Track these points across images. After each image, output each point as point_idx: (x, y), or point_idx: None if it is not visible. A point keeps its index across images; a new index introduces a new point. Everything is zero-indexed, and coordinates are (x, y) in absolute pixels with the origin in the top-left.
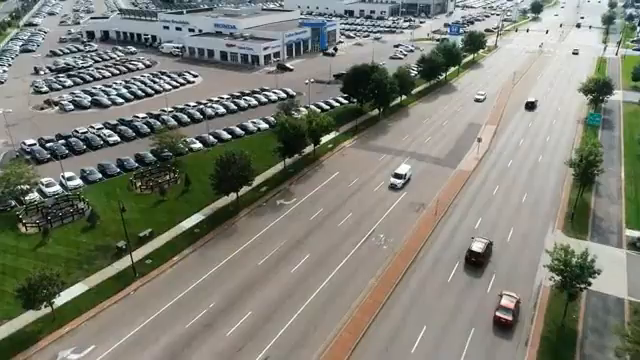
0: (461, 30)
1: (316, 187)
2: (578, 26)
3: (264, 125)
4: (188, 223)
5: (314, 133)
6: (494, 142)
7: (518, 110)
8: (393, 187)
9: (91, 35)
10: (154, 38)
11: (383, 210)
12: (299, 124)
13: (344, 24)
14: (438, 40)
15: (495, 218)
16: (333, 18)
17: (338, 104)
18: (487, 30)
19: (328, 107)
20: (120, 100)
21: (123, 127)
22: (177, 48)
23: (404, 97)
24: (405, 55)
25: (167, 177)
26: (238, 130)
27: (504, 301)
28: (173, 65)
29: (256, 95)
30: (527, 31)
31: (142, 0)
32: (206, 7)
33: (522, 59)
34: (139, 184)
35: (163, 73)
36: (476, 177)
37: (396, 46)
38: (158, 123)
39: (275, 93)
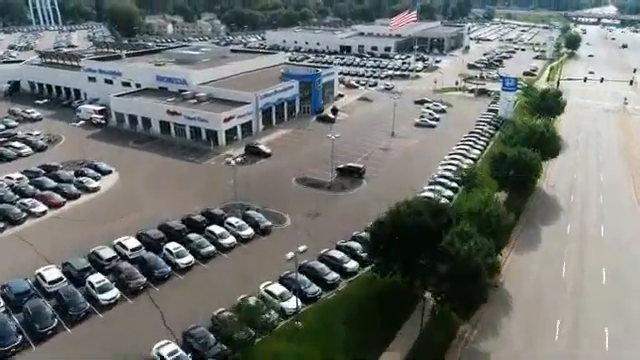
0: (518, 85)
1: None
2: None
3: None
4: None
5: None
6: None
7: None
8: None
9: None
10: (78, 93)
11: None
12: None
13: (341, 64)
14: (472, 91)
15: None
16: (327, 56)
17: (356, 264)
18: (527, 74)
19: (337, 276)
20: None
21: None
22: (99, 113)
23: None
24: (437, 120)
25: None
26: None
27: None
28: (83, 145)
29: (193, 236)
30: (601, 81)
31: (105, 34)
32: (160, 46)
33: (610, 124)
34: None
35: (49, 170)
36: None
37: (419, 102)
38: None
39: (231, 227)
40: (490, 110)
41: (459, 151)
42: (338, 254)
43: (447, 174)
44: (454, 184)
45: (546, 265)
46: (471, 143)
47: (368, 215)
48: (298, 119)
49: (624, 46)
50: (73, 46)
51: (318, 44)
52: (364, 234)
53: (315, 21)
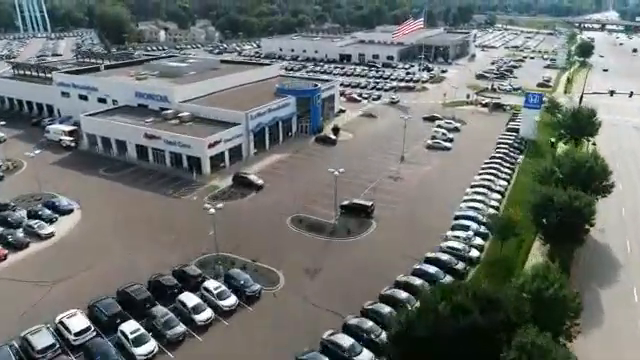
0: (544, 101)
1: None
2: None
3: None
4: None
5: None
6: None
7: None
8: None
9: None
10: (51, 110)
11: None
12: None
13: (340, 74)
14: (486, 105)
15: None
16: (325, 65)
17: (370, 356)
18: (541, 85)
19: None
20: None
21: None
22: (69, 134)
23: None
24: (451, 140)
25: None
26: None
27: None
28: (46, 173)
29: (159, 311)
30: (630, 95)
31: (94, 42)
32: (148, 54)
33: None
34: None
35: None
36: None
37: (428, 119)
38: None
39: (208, 295)
40: (510, 129)
41: (483, 182)
42: (346, 341)
43: (473, 215)
44: (483, 227)
45: (620, 357)
46: (495, 172)
47: (381, 272)
48: (295, 140)
49: (635, 50)
50: (58, 55)
51: (316, 52)
52: (378, 306)
53: (313, 28)
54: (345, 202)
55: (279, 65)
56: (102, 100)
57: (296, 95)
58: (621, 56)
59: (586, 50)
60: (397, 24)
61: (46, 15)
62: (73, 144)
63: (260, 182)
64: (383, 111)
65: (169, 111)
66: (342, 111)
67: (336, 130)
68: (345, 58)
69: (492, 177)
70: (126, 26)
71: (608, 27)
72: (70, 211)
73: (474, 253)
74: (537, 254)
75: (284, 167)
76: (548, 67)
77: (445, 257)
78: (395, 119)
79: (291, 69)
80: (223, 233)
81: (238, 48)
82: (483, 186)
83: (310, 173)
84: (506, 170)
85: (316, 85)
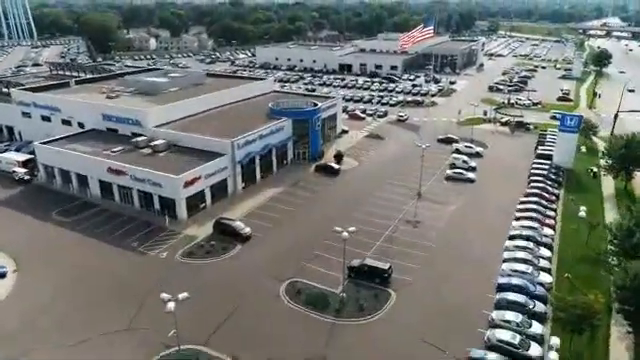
0: (582, 123)
1: None
2: None
3: None
4: None
5: None
6: None
7: None
8: None
9: None
10: (11, 132)
11: None
12: None
13: (340, 86)
14: (507, 124)
15: None
16: (324, 76)
17: None
18: (561, 99)
19: None
20: None
21: None
22: (23, 165)
23: None
24: (473, 169)
25: None
26: None
27: None
28: None
29: None
30: None
31: (80, 50)
32: (135, 64)
33: None
34: None
35: None
36: None
37: (444, 141)
38: None
39: None
40: (541, 156)
41: (524, 232)
42: None
43: (521, 283)
44: (539, 304)
45: None
46: (535, 215)
47: None
48: (291, 170)
49: None
50: (39, 65)
51: (314, 62)
52: None
53: (310, 35)
54: (355, 262)
55: (273, 78)
56: (67, 122)
57: (292, 117)
58: (633, 63)
59: (601, 60)
60: (398, 31)
61: (32, 22)
62: (28, 177)
63: (247, 231)
64: (391, 131)
65: (140, 138)
66: (345, 132)
67: (339, 156)
68: (345, 68)
69: (534, 223)
70: (113, 34)
71: (615, 34)
72: (2, 276)
73: (535, 350)
74: (620, 347)
75: (278, 207)
76: (563, 77)
77: (495, 357)
78: (405, 140)
79: (287, 80)
80: (195, 310)
81: (231, 57)
82: (525, 237)
83: (310, 215)
84: (550, 213)
85: (315, 104)
